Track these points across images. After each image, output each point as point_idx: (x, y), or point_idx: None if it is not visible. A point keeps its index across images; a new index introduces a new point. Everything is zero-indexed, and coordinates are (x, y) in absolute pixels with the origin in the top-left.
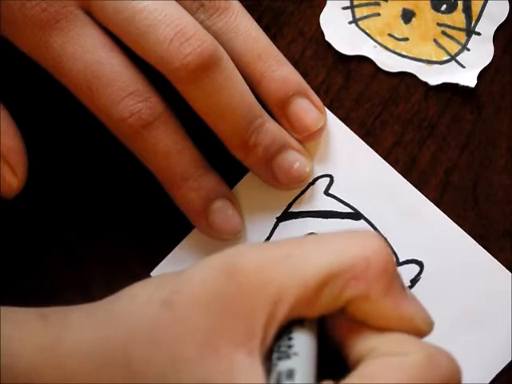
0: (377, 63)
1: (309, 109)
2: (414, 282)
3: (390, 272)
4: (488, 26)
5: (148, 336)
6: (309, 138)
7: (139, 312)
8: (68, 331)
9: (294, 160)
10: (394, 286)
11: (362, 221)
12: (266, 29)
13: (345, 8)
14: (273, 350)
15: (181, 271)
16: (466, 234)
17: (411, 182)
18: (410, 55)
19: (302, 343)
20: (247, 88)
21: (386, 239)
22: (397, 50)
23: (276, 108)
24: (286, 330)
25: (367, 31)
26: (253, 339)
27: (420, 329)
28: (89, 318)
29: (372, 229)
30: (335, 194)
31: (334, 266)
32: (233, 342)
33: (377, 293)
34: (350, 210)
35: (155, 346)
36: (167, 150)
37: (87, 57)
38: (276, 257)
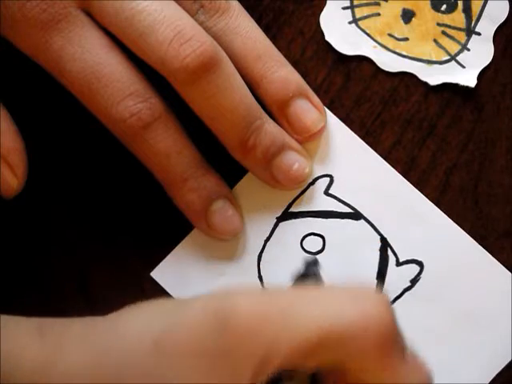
0: (377, 63)
1: (309, 110)
2: (414, 282)
3: (388, 340)
4: (488, 26)
5: (138, 372)
6: (309, 138)
7: (130, 348)
8: (62, 352)
9: (294, 161)
10: (393, 354)
11: (362, 221)
12: (266, 29)
13: (345, 8)
14: None
15: (180, 304)
16: (466, 233)
17: (411, 182)
18: (410, 55)
19: None
20: (246, 89)
21: (385, 239)
22: (397, 50)
23: (276, 109)
24: (276, 379)
25: (367, 31)
26: None
27: None
28: (82, 340)
29: (373, 229)
30: (335, 194)
31: (328, 329)
32: None
33: (372, 360)
34: (349, 210)
35: (142, 380)
36: (167, 151)
37: (87, 57)
38: (271, 313)
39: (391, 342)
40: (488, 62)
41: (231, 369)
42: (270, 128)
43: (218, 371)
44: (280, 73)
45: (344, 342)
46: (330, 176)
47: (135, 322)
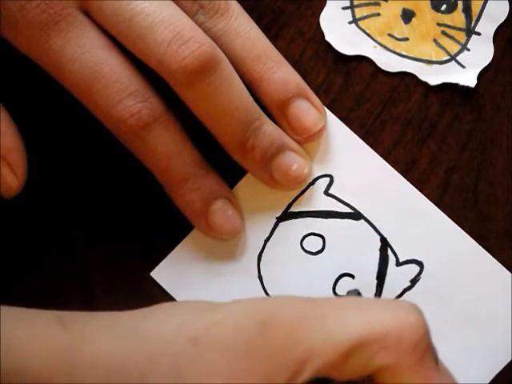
0: (377, 63)
1: (309, 110)
2: (414, 281)
3: (422, 347)
4: (488, 26)
5: (169, 367)
6: (309, 139)
7: (165, 340)
8: (86, 340)
9: (293, 162)
10: (426, 361)
11: (362, 221)
12: (266, 29)
13: (345, 8)
14: None
15: (216, 306)
16: (465, 233)
17: (411, 182)
18: (410, 55)
19: None
20: (246, 91)
21: (385, 239)
22: (397, 50)
23: (276, 110)
24: None
25: (367, 31)
26: None
27: None
28: (110, 330)
29: (373, 229)
30: (335, 194)
31: (365, 334)
32: None
33: (406, 367)
34: (349, 210)
35: (174, 379)
36: (167, 151)
37: (86, 58)
38: (311, 317)
39: (424, 349)
40: (488, 62)
41: (268, 370)
42: (269, 129)
43: (255, 371)
44: (279, 73)
45: (379, 348)
46: (330, 176)
47: (170, 318)
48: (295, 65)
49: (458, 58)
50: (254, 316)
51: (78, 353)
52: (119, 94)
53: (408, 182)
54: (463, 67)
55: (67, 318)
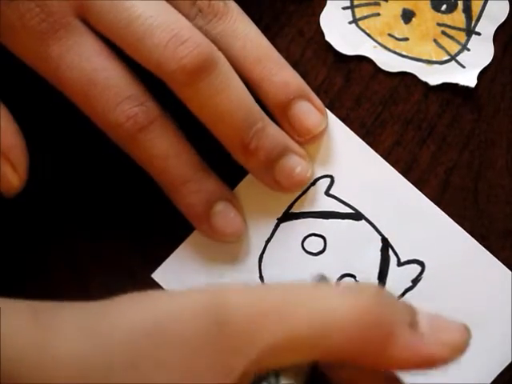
0: (377, 63)
1: (310, 111)
2: (415, 281)
3: (385, 325)
4: (488, 25)
5: (128, 362)
6: (310, 140)
7: (123, 334)
8: (54, 336)
9: (296, 164)
10: (396, 335)
11: (363, 221)
12: (266, 29)
13: (345, 8)
14: None
15: (170, 297)
16: (466, 233)
17: (411, 182)
18: (410, 55)
19: None
20: (246, 91)
21: (387, 239)
22: (397, 50)
23: (277, 111)
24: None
25: (367, 31)
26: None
27: (446, 359)
28: (76, 326)
29: (374, 230)
30: (336, 195)
31: (320, 326)
32: (206, 381)
33: (374, 350)
34: (350, 211)
35: (133, 372)
36: (164, 154)
37: (84, 65)
38: (267, 307)
39: (388, 323)
40: (488, 62)
41: (226, 361)
42: (272, 131)
43: (212, 362)
44: (280, 75)
45: (338, 337)
46: (331, 177)
47: (128, 312)
48: (295, 65)
49: (458, 57)
50: (206, 311)
51: (45, 349)
52: (116, 98)
53: (408, 182)
54: (463, 67)
55: (40, 310)
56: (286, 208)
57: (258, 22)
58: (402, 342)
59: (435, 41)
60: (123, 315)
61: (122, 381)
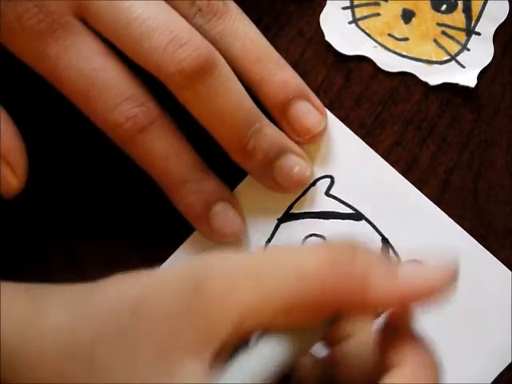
0: (377, 63)
1: (309, 111)
2: None
3: (359, 265)
4: (488, 25)
5: (113, 336)
6: (310, 140)
7: (108, 310)
8: (46, 312)
9: (294, 164)
10: (373, 273)
11: (363, 221)
12: (266, 29)
13: (345, 8)
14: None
15: (153, 273)
16: (466, 233)
17: (411, 182)
18: (410, 55)
19: (263, 352)
20: (245, 93)
21: (387, 239)
22: (397, 50)
23: (276, 111)
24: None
25: (367, 31)
26: (209, 349)
27: (431, 292)
28: (65, 303)
29: (374, 230)
30: (336, 195)
31: (299, 280)
32: (187, 350)
33: (353, 292)
34: (350, 211)
35: (118, 346)
36: (164, 154)
37: (82, 65)
38: (246, 274)
39: (358, 269)
40: (488, 62)
41: (208, 326)
42: (270, 131)
43: (195, 328)
44: (279, 75)
45: (310, 287)
46: (331, 177)
47: (114, 290)
48: (295, 65)
49: (458, 58)
50: (186, 278)
51: (38, 322)
52: (115, 99)
53: (408, 182)
54: (463, 67)
55: (34, 289)
56: (286, 208)
57: (257, 22)
58: (380, 280)
59: (435, 41)
60: (109, 293)
61: (107, 352)
